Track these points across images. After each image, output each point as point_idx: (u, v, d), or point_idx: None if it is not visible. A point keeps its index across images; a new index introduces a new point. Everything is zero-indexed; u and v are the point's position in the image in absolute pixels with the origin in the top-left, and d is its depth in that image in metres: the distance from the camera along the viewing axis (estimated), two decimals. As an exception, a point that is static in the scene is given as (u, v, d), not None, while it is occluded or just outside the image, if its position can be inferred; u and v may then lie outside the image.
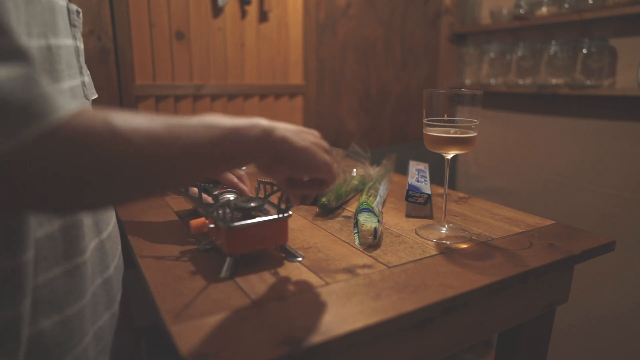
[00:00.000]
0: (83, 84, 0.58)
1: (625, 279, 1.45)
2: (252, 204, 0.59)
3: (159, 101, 1.35)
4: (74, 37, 0.56)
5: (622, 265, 1.44)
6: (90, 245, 0.55)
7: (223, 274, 0.56)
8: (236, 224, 0.56)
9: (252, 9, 1.45)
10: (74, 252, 0.51)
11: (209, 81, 1.41)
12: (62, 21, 0.52)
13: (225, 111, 1.46)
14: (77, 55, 0.57)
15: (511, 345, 0.73)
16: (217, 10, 1.39)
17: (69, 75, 0.52)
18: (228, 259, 0.57)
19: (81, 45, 0.59)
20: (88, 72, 0.62)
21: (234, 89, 1.46)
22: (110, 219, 0.63)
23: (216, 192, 0.69)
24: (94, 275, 0.56)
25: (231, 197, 0.69)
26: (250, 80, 1.49)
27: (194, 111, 1.41)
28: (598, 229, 0.74)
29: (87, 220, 0.53)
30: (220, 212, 0.58)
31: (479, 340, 0.62)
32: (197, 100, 1.41)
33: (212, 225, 0.58)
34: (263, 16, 1.48)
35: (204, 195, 0.70)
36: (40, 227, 0.46)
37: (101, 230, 0.58)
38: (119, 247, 0.67)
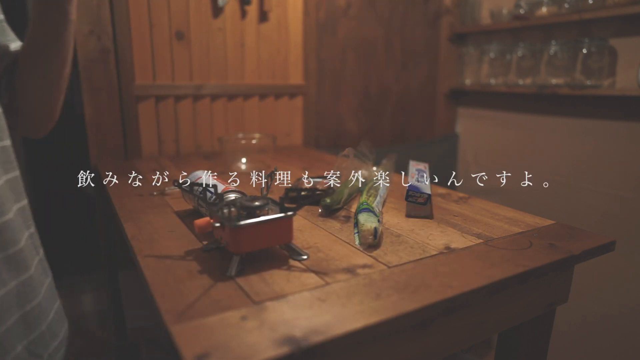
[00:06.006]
0: None
1: (625, 279, 1.45)
2: (257, 203, 0.59)
3: (158, 101, 1.35)
4: None
5: (622, 265, 1.44)
6: None
7: (230, 272, 0.56)
8: (242, 222, 0.56)
9: (252, 9, 1.45)
10: None
11: (209, 81, 1.41)
12: None
13: (226, 111, 1.46)
14: None
15: (511, 345, 0.73)
16: (217, 10, 1.39)
17: None
18: (235, 258, 0.57)
19: None
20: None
21: (234, 89, 1.46)
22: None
23: (220, 191, 0.69)
24: None
25: (233, 196, 0.69)
26: (250, 80, 1.49)
27: (194, 111, 1.41)
28: (598, 229, 0.74)
29: None
30: (225, 211, 0.59)
31: (479, 340, 0.62)
32: (197, 100, 1.41)
33: (217, 224, 0.58)
34: (263, 16, 1.48)
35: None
36: None
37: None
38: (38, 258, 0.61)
